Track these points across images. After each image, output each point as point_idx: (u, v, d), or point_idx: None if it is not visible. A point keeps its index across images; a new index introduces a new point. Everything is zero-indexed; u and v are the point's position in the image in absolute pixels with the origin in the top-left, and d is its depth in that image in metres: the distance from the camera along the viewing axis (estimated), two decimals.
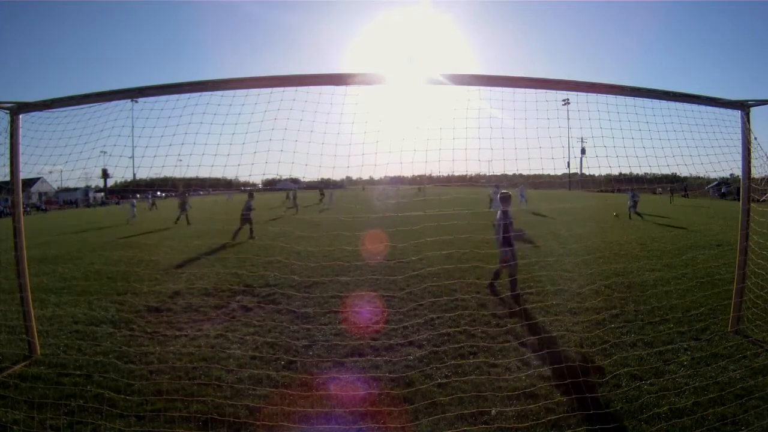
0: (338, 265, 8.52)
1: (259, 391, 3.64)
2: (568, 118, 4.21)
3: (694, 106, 4.41)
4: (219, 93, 3.91)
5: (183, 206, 18.77)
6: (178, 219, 18.71)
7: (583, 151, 42.51)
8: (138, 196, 28.40)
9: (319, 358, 4.32)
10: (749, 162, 4.50)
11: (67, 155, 4.24)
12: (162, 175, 4.34)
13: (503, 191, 7.12)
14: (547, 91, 3.95)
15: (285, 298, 6.37)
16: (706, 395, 3.40)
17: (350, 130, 3.70)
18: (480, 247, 8.26)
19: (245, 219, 13.27)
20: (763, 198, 4.50)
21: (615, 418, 3.18)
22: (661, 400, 3.37)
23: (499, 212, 6.75)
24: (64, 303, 6.38)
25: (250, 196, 14.23)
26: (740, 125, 4.46)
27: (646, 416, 3.18)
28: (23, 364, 4.21)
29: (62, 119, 4.28)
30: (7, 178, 4.26)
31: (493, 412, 3.28)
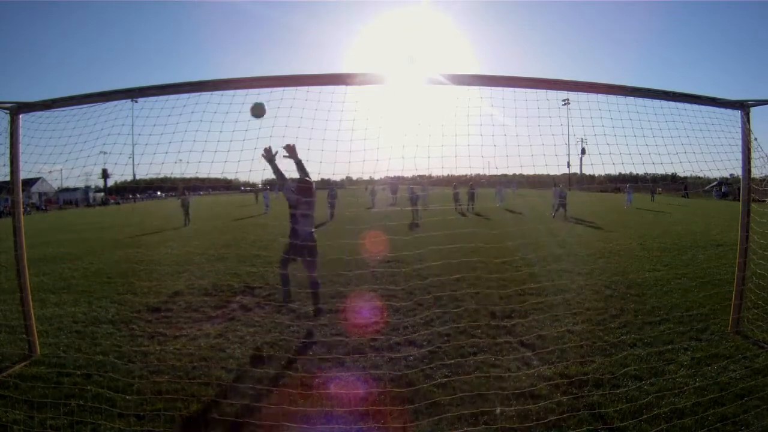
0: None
1: (259, 391, 3.64)
2: (569, 117, 4.21)
3: (694, 106, 4.41)
4: (219, 93, 3.91)
5: (415, 201, 20.58)
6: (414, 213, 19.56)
7: (583, 151, 42.47)
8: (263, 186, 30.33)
9: (319, 357, 4.32)
10: (749, 162, 4.50)
11: (67, 155, 4.24)
12: (162, 175, 4.33)
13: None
14: (547, 91, 3.96)
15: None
16: (707, 395, 3.39)
17: (351, 127, 3.71)
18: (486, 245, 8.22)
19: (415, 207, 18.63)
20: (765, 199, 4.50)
21: (615, 419, 3.18)
22: (661, 400, 3.37)
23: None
24: (64, 303, 6.38)
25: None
26: (740, 125, 4.46)
27: (647, 417, 3.18)
28: (23, 363, 4.20)
29: (62, 119, 4.28)
30: (7, 178, 4.26)
31: (497, 411, 3.28)
